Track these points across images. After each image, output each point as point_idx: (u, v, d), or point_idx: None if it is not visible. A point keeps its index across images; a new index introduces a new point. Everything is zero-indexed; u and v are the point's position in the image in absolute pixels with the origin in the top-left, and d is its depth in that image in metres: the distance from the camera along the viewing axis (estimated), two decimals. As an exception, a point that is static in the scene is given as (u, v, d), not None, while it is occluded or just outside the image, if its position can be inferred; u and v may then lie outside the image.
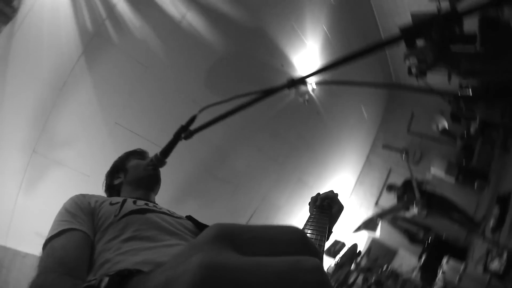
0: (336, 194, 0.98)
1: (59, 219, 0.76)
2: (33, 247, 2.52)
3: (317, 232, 0.72)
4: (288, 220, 4.87)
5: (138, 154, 1.21)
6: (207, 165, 3.64)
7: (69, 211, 0.78)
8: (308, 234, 0.70)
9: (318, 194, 0.98)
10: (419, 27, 0.54)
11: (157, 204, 1.02)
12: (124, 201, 0.87)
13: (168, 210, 0.95)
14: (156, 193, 1.16)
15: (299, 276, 0.19)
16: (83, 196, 0.87)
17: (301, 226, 0.82)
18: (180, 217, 0.91)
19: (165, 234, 0.77)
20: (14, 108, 2.32)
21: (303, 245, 0.24)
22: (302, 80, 0.79)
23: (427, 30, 0.54)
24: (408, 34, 0.56)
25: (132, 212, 0.81)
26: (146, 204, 0.90)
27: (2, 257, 2.46)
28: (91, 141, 2.72)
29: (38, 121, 2.44)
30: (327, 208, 0.91)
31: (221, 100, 0.99)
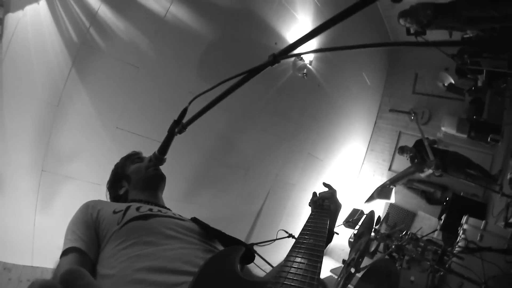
0: (334, 191, 0.99)
1: (65, 236, 0.81)
2: (59, 261, 2.63)
3: (318, 234, 0.73)
4: (303, 196, 4.88)
5: (134, 157, 1.20)
6: (215, 154, 3.66)
7: (71, 229, 0.82)
8: (309, 237, 0.71)
9: (314, 193, 1.00)
10: None
11: (162, 208, 1.01)
12: (127, 208, 0.87)
13: (174, 214, 0.95)
14: (162, 191, 1.15)
15: None
16: (87, 207, 0.88)
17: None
18: (185, 220, 0.92)
19: (167, 239, 0.77)
20: (15, 131, 2.35)
21: None
22: (284, 53, 0.75)
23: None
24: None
25: (135, 219, 0.82)
26: (150, 209, 0.90)
27: (32, 276, 2.56)
28: (95, 150, 2.75)
29: (41, 139, 2.47)
30: (327, 208, 0.92)
31: (208, 88, 0.97)
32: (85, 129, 2.69)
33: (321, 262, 0.58)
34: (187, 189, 3.40)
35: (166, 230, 0.80)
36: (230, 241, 0.83)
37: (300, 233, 0.73)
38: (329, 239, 0.86)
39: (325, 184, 1.05)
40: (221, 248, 0.85)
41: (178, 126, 1.04)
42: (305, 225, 0.80)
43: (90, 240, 0.79)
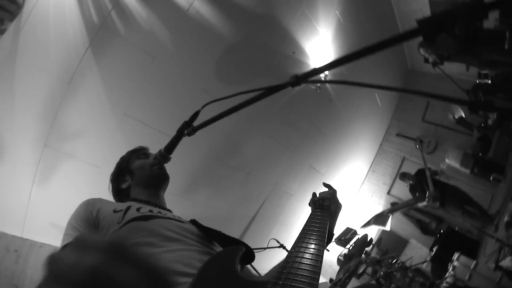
0: (335, 191, 0.98)
1: (64, 232, 0.81)
2: (49, 237, 2.62)
3: (317, 234, 0.73)
4: (298, 207, 4.87)
5: (140, 152, 1.19)
6: (218, 154, 3.66)
7: (71, 224, 0.82)
8: (309, 237, 0.71)
9: (314, 194, 0.99)
10: (440, 21, 0.48)
11: (162, 209, 1.01)
12: (127, 208, 0.87)
13: (174, 215, 0.96)
14: (164, 191, 1.15)
15: None
16: (87, 204, 0.88)
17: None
18: (184, 222, 0.92)
19: (167, 241, 0.78)
20: (24, 103, 2.35)
21: None
22: (306, 78, 0.74)
23: (450, 25, 0.47)
24: (428, 29, 0.50)
25: (135, 219, 0.82)
26: (151, 210, 0.90)
27: (19, 248, 2.56)
28: (100, 133, 2.75)
29: (48, 114, 2.48)
30: (327, 208, 0.92)
31: (224, 96, 0.97)
32: (93, 110, 2.69)
33: (321, 262, 0.58)
34: (186, 184, 3.40)
35: (166, 231, 0.80)
36: (230, 242, 0.82)
37: (300, 233, 0.73)
38: (329, 239, 0.86)
39: (325, 184, 1.05)
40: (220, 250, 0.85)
41: (188, 128, 1.04)
42: (305, 225, 0.79)
43: None
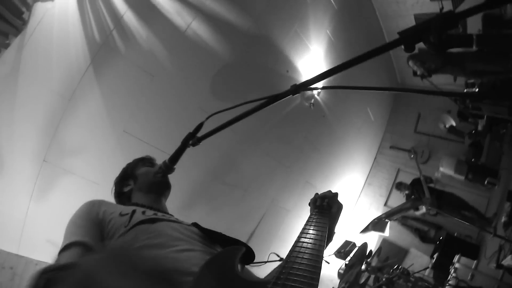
0: (336, 194, 0.97)
1: (67, 231, 0.79)
2: (45, 255, 2.57)
3: (317, 234, 0.72)
4: (296, 223, 4.86)
5: (147, 161, 1.23)
6: (215, 171, 3.67)
7: (75, 222, 0.81)
8: (308, 237, 0.71)
9: (317, 194, 0.98)
10: (417, 31, 0.56)
11: (166, 213, 1.03)
12: (133, 212, 0.88)
13: (177, 219, 0.97)
14: (166, 198, 1.17)
15: None
16: (92, 205, 0.88)
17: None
18: (187, 225, 0.93)
19: (174, 240, 0.78)
20: (24, 117, 2.37)
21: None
22: (305, 86, 0.81)
23: (425, 34, 0.55)
24: (407, 39, 0.58)
25: (142, 222, 0.82)
26: (155, 214, 0.92)
27: (15, 265, 2.50)
28: (100, 149, 2.77)
29: (48, 130, 2.49)
30: (326, 208, 0.90)
31: (227, 107, 1.01)
32: (92, 127, 2.71)
33: (321, 263, 0.58)
34: (183, 201, 3.38)
35: (173, 232, 0.82)
36: (231, 243, 0.82)
37: (300, 233, 0.72)
38: (329, 238, 0.86)
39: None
40: None
41: (192, 139, 1.07)
42: (305, 225, 0.78)
43: (96, 237, 0.78)
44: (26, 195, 2.50)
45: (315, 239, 0.69)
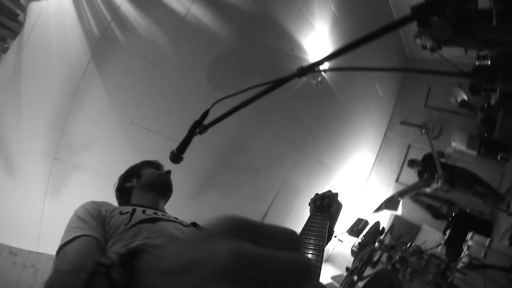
0: (336, 194, 0.99)
1: (71, 226, 0.79)
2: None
3: (317, 234, 0.73)
4: (309, 201, 4.89)
5: (155, 165, 1.25)
6: (225, 154, 3.69)
7: (80, 218, 0.81)
8: (308, 237, 0.71)
9: (317, 194, 1.00)
10: (432, 7, 0.51)
11: (166, 213, 1.04)
12: (133, 211, 0.89)
13: (176, 218, 0.97)
14: (166, 201, 1.19)
15: (299, 267, 0.23)
16: (94, 203, 0.90)
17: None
18: (187, 225, 0.94)
19: (175, 240, 0.78)
20: (31, 118, 2.39)
21: (294, 243, 0.28)
22: (312, 68, 0.78)
23: (441, 9, 0.51)
24: (421, 14, 0.53)
25: (143, 221, 0.83)
26: (155, 213, 0.93)
27: (36, 262, 2.59)
28: (108, 143, 2.79)
29: (56, 128, 2.51)
30: (326, 207, 0.92)
31: (233, 93, 0.99)
32: (99, 121, 2.73)
33: (321, 262, 0.59)
34: (196, 188, 3.43)
35: (174, 231, 0.83)
36: None
37: (300, 233, 0.73)
38: (329, 238, 0.87)
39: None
40: None
41: (199, 127, 1.06)
42: (305, 224, 0.80)
43: (101, 234, 0.78)
44: (40, 194, 2.57)
45: (315, 239, 0.70)
